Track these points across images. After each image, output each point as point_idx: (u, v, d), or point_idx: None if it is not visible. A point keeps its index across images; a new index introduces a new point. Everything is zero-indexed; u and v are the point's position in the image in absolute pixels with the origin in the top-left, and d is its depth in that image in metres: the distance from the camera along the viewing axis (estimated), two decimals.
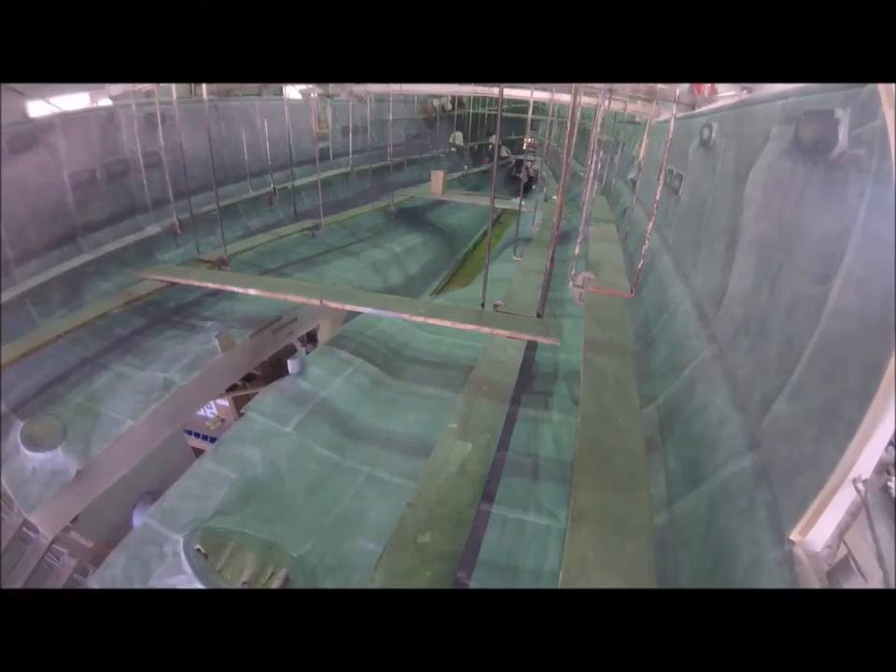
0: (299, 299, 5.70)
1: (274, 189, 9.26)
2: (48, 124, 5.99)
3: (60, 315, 5.62)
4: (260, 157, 9.07)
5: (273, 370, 7.98)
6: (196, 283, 6.15)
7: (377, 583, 2.77)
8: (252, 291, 5.78)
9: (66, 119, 6.24)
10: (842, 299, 2.26)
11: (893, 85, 2.07)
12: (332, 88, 10.56)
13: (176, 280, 6.18)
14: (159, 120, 6.67)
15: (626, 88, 5.64)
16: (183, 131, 6.81)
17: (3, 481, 4.22)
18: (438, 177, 13.06)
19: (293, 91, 10.43)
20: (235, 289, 5.97)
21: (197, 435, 8.97)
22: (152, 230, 7.08)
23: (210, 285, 6.13)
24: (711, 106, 5.45)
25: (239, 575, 3.52)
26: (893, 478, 1.99)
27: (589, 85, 5.64)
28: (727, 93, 5.38)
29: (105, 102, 6.88)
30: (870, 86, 2.26)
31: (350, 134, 11.14)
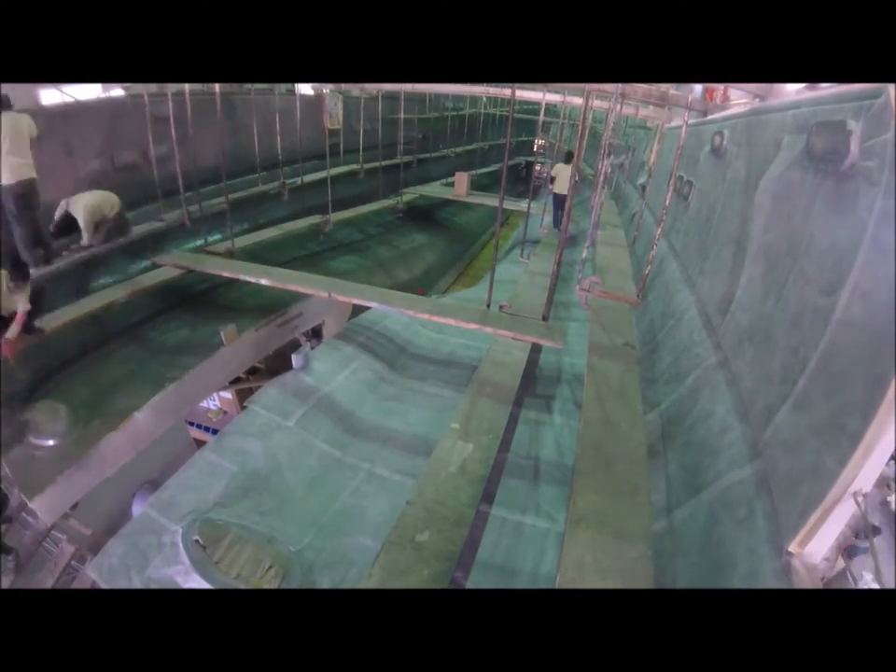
0: (308, 290, 5.78)
1: (284, 184, 9.25)
2: (59, 113, 5.98)
3: (67, 303, 5.62)
4: (271, 152, 9.07)
5: (278, 364, 7.99)
6: (209, 270, 6.22)
7: (374, 580, 2.78)
8: (264, 281, 5.86)
9: (78, 108, 6.23)
10: (848, 311, 2.25)
11: None
12: (344, 84, 10.54)
13: (191, 267, 6.25)
14: (170, 112, 6.65)
15: (638, 92, 5.62)
16: (194, 123, 6.82)
17: (4, 465, 4.24)
18: (462, 179, 12.80)
19: (305, 87, 10.41)
20: (247, 279, 6.08)
21: (199, 426, 8.98)
22: (161, 221, 7.08)
23: (224, 273, 6.23)
24: (723, 114, 5.44)
25: (235, 567, 3.53)
26: (893, 493, 1.98)
27: (601, 88, 5.63)
28: (739, 101, 5.36)
29: (118, 92, 6.88)
30: (882, 98, 2.25)
31: (361, 131, 11.13)
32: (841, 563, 2.07)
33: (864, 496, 1.94)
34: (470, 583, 3.44)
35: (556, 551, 3.58)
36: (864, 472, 1.93)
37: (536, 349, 5.79)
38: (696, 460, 3.37)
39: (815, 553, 2.14)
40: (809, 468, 2.24)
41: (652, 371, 4.89)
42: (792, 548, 2.18)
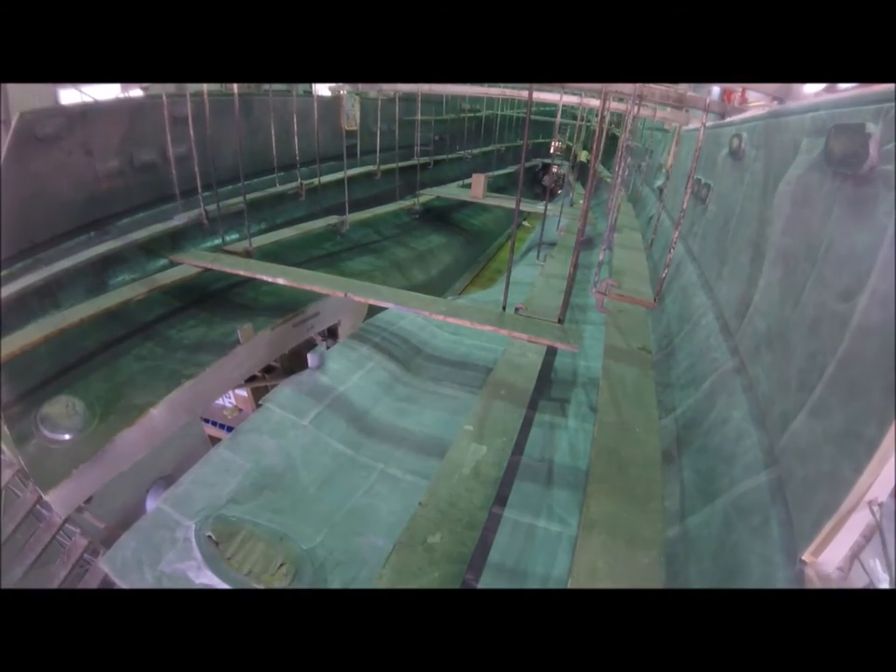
0: (324, 290, 5.82)
1: (301, 184, 9.28)
2: (78, 112, 6.05)
3: (84, 300, 5.69)
4: (289, 152, 9.11)
5: (293, 363, 8.03)
6: (227, 269, 6.27)
7: (385, 581, 2.78)
8: (281, 281, 5.90)
9: (97, 108, 6.30)
10: (867, 316, 2.22)
11: None
12: (362, 85, 10.56)
13: (209, 266, 6.31)
14: (189, 112, 6.71)
15: (656, 94, 5.58)
16: (212, 124, 6.86)
17: (20, 458, 4.30)
18: (479, 181, 12.73)
19: (322, 87, 10.43)
20: (264, 278, 6.11)
21: (214, 423, 9.05)
22: (179, 220, 7.14)
23: (241, 272, 6.27)
24: (741, 116, 5.39)
25: (247, 563, 3.55)
26: None
27: (618, 90, 5.60)
28: (757, 103, 5.32)
29: (136, 93, 6.95)
30: None
31: (378, 133, 11.15)
32: (854, 573, 2.04)
33: (880, 505, 1.91)
34: (481, 586, 3.43)
35: (568, 554, 3.57)
36: (880, 481, 1.91)
37: (551, 352, 5.77)
38: (711, 466, 3.34)
39: (828, 562, 2.11)
40: (825, 475, 2.22)
41: (668, 376, 4.85)
42: (806, 557, 2.15)
